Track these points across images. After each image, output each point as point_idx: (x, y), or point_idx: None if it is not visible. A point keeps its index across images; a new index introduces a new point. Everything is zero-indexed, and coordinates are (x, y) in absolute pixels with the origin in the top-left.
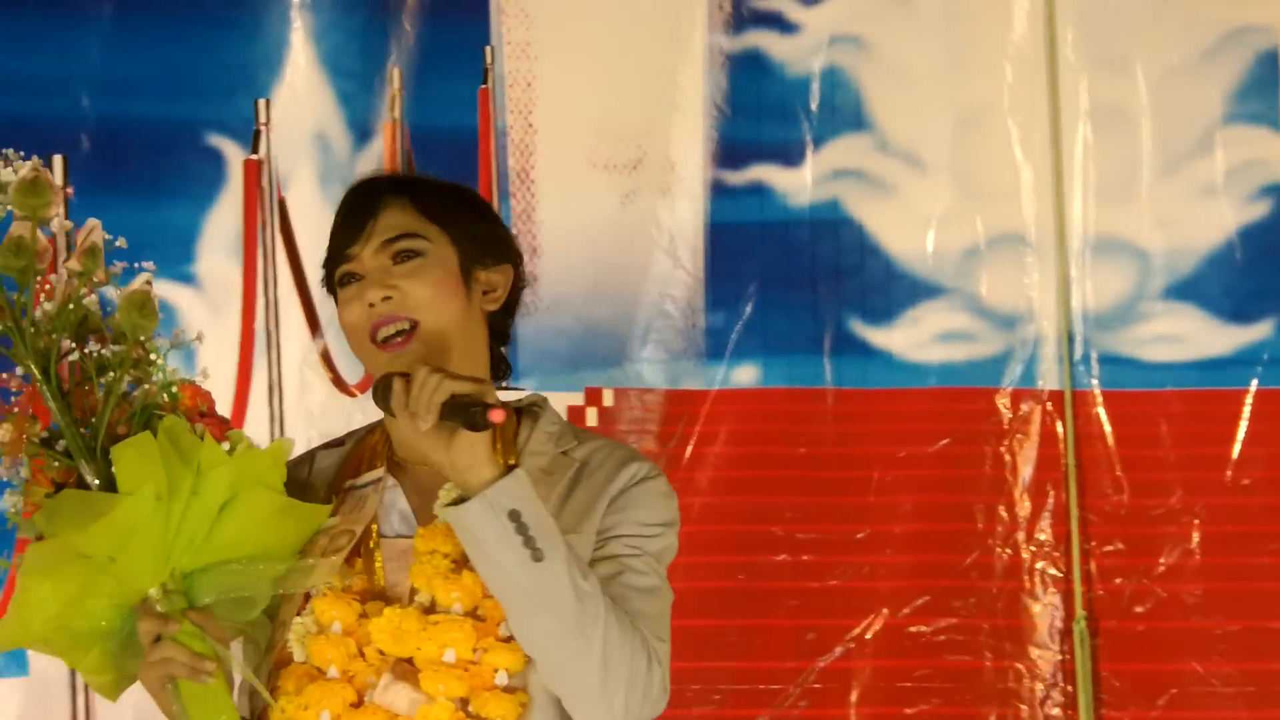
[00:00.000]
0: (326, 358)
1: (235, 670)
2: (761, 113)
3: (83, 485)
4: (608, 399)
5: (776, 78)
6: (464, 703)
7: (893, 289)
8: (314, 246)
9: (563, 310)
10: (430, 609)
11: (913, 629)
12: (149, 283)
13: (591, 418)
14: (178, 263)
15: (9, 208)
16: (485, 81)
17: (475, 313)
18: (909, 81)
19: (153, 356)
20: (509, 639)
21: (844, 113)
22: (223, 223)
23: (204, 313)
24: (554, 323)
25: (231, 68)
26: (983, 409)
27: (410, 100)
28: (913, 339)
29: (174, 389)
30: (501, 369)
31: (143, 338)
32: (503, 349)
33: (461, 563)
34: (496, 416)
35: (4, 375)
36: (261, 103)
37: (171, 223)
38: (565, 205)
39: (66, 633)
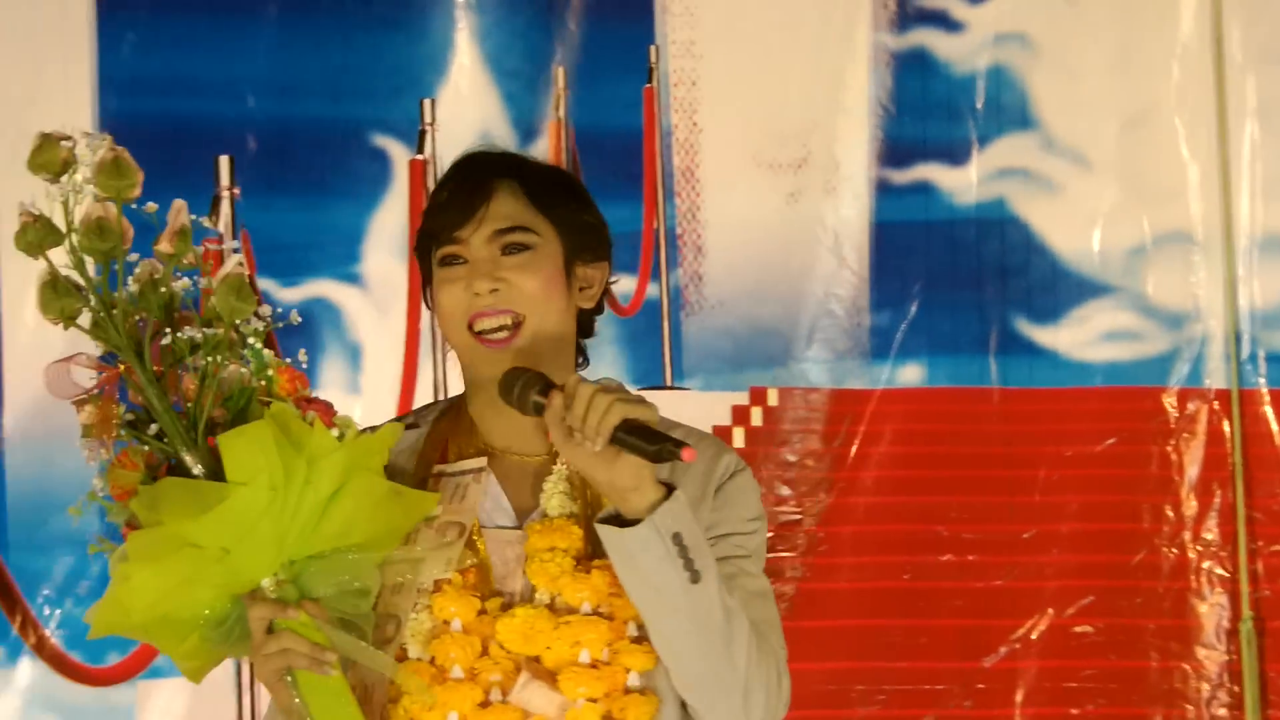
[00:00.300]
0: None
1: (368, 662)
2: (927, 111)
3: (177, 470)
4: (772, 398)
5: (942, 76)
6: (596, 703)
7: (1059, 288)
8: None
9: (727, 310)
10: (551, 607)
11: (1078, 629)
12: (242, 264)
13: (756, 417)
14: (343, 263)
15: (93, 189)
16: (650, 80)
17: (572, 309)
18: (1075, 80)
19: (250, 340)
20: (639, 639)
21: (1009, 111)
22: (388, 223)
23: (369, 312)
24: (719, 322)
25: (397, 68)
26: (1149, 408)
27: (575, 100)
28: (1079, 338)
29: (270, 372)
30: (581, 363)
31: (238, 321)
32: (583, 341)
33: (582, 559)
34: (689, 456)
35: (82, 356)
36: (427, 103)
37: (337, 223)
38: (730, 204)
39: (166, 620)
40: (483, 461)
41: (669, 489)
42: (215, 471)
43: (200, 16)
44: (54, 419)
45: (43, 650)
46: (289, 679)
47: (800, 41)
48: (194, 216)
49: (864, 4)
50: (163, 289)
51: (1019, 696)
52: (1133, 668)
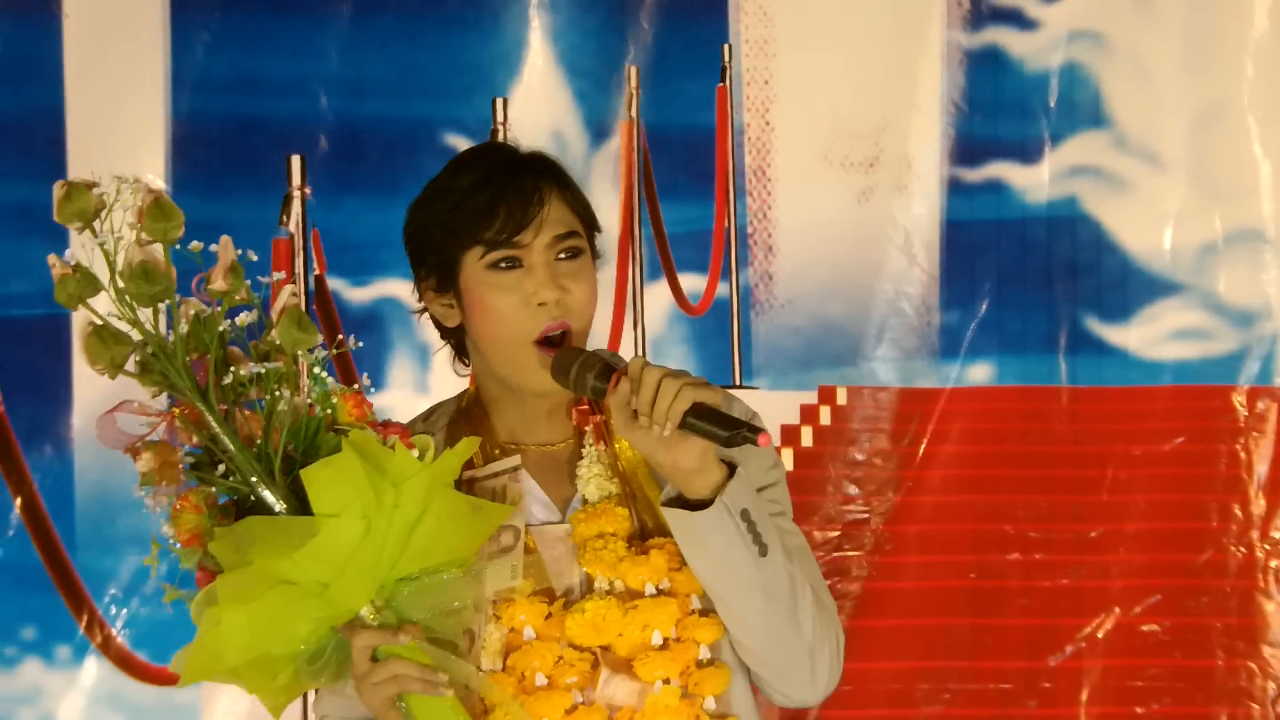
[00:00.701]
0: None
1: (470, 681)
2: (999, 109)
3: (241, 508)
4: (841, 397)
5: (1014, 74)
6: (673, 681)
7: (1129, 286)
8: None
9: (797, 308)
10: (612, 593)
11: (1145, 628)
12: (295, 295)
13: (824, 416)
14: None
15: (139, 232)
16: (723, 79)
17: (595, 307)
18: (1147, 77)
19: (317, 370)
20: (704, 611)
21: (1082, 109)
22: None
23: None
24: (788, 321)
25: (469, 67)
26: (1218, 407)
27: (647, 99)
28: (1149, 336)
29: (334, 400)
30: None
31: (300, 352)
32: None
33: (634, 540)
34: (764, 441)
35: (131, 403)
36: (498, 102)
37: None
38: (801, 203)
39: (260, 660)
40: (516, 460)
41: (731, 467)
42: (297, 506)
43: (272, 15)
44: None
45: (109, 649)
46: (401, 705)
47: (873, 40)
48: (239, 250)
49: (937, 2)
50: (220, 327)
51: (1084, 696)
52: (1199, 667)
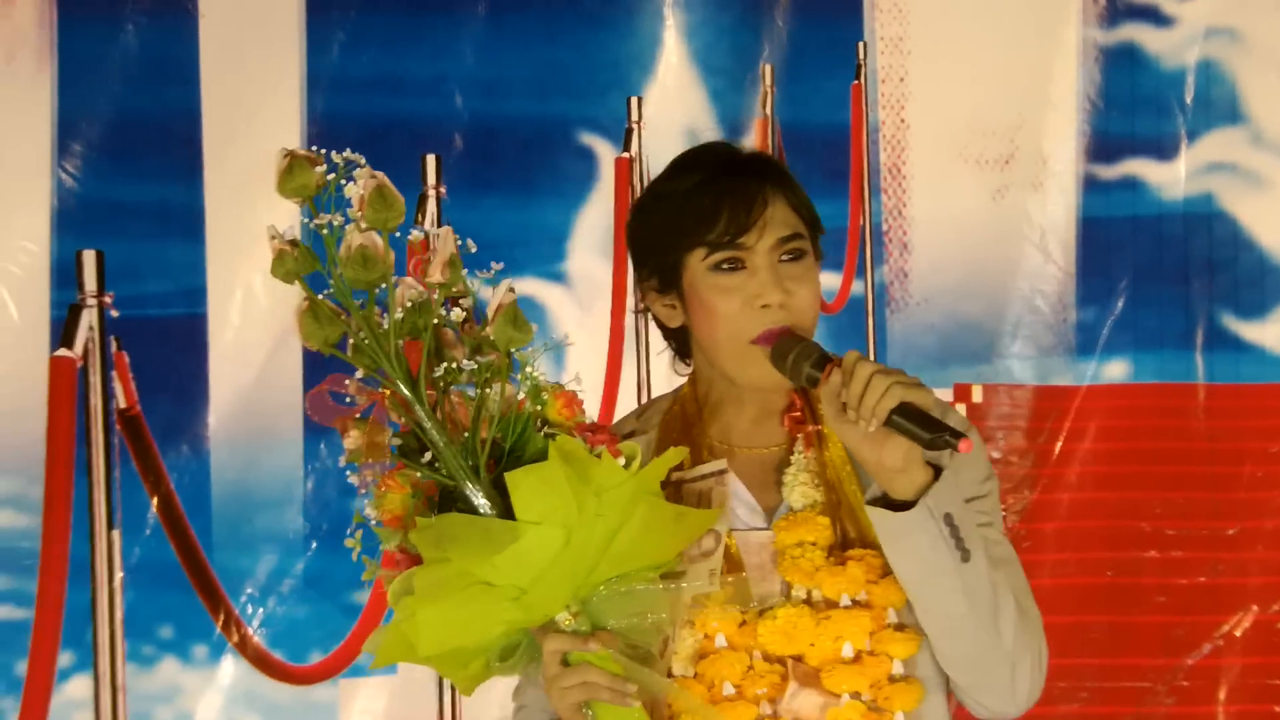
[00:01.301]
0: None
1: (660, 692)
2: (1135, 106)
3: (454, 497)
4: (976, 395)
5: (1151, 71)
6: (861, 695)
7: (1266, 283)
8: None
9: (932, 306)
10: (808, 602)
11: None
12: (512, 291)
13: (961, 414)
14: (548, 261)
15: (361, 223)
16: (858, 77)
17: (819, 309)
18: None
19: (528, 369)
20: (900, 625)
21: (1219, 106)
22: (593, 221)
23: (572, 311)
24: (924, 318)
25: (604, 66)
26: None
27: (781, 97)
28: None
29: (545, 397)
30: None
31: (514, 349)
32: None
33: (834, 550)
34: (966, 448)
35: (344, 379)
36: (633, 100)
37: (543, 221)
38: (936, 201)
39: (452, 652)
40: (723, 463)
41: (937, 470)
42: (500, 503)
43: (408, 15)
44: (258, 419)
45: (245, 649)
46: (588, 712)
47: (1009, 37)
48: (458, 240)
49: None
50: (435, 318)
51: (1222, 694)
52: None
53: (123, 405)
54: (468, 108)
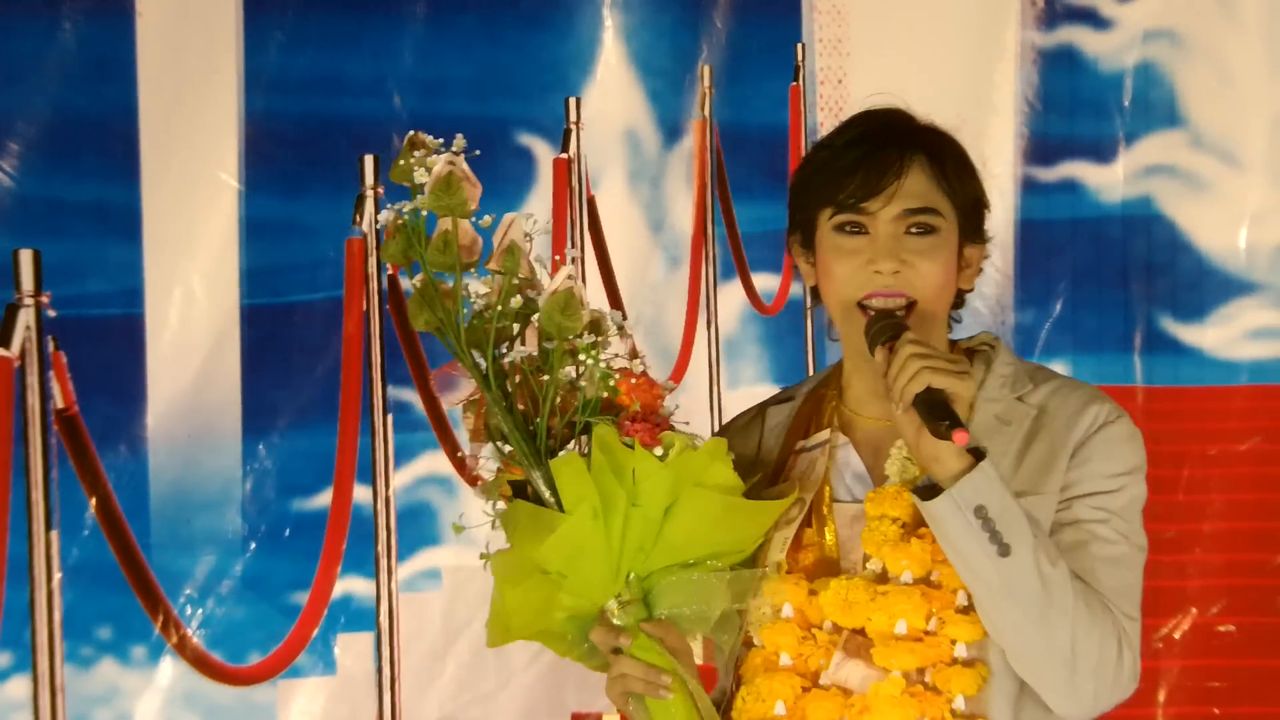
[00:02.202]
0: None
1: (693, 689)
2: (1074, 109)
3: (529, 489)
4: None
5: (1089, 73)
6: (920, 674)
7: (1205, 286)
8: (623, 243)
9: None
10: (881, 577)
11: (1221, 628)
12: (572, 277)
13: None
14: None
15: (426, 209)
16: (796, 79)
17: (954, 289)
18: (1224, 77)
19: (581, 357)
20: (967, 609)
21: (1157, 108)
22: None
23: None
24: None
25: (543, 67)
26: None
27: (720, 98)
28: (1224, 336)
29: (611, 383)
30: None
31: (570, 337)
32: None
33: (912, 528)
34: (961, 439)
35: (453, 365)
36: (572, 101)
37: None
38: None
39: (543, 633)
40: (827, 434)
41: (976, 458)
42: (553, 486)
43: (346, 15)
44: (196, 420)
45: (184, 650)
46: (635, 702)
47: (948, 40)
48: (528, 232)
49: (1012, 2)
50: (500, 306)
51: (1161, 696)
52: (1275, 666)
53: (60, 405)
54: (407, 108)
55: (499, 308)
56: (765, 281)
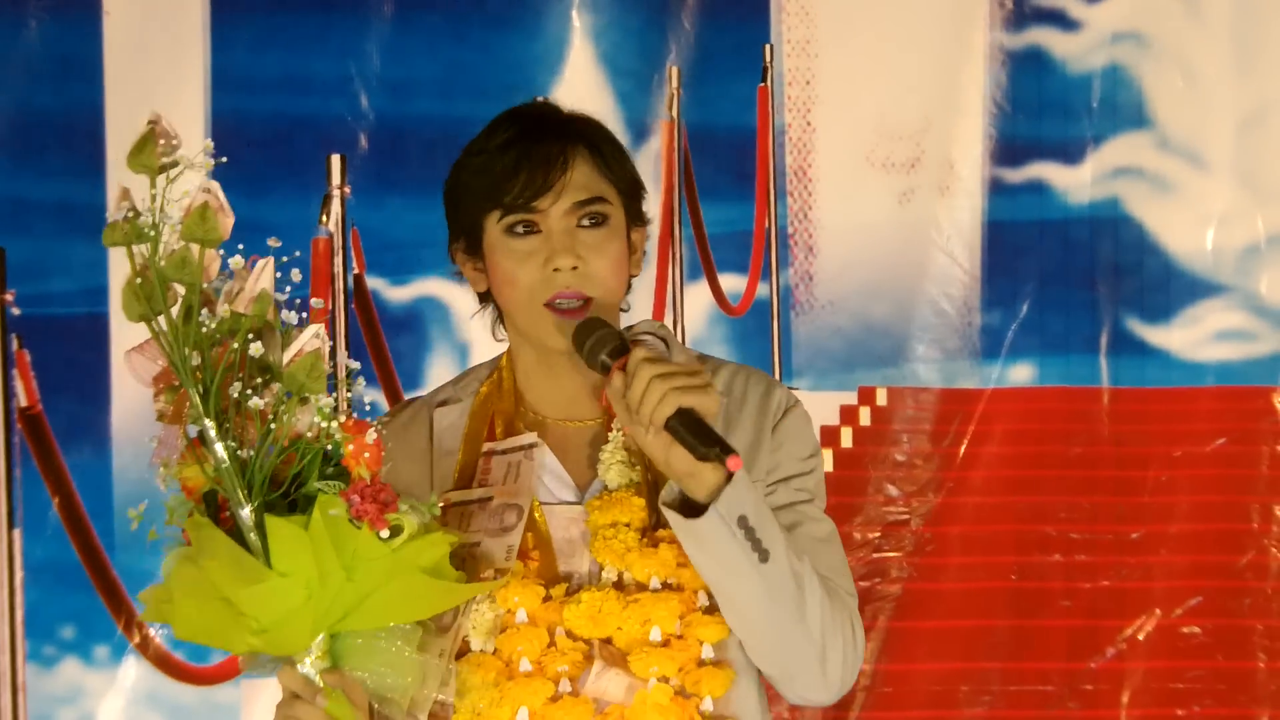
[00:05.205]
0: None
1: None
2: (1041, 110)
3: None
4: (881, 398)
5: (1057, 75)
6: (669, 679)
7: (1171, 288)
8: None
9: (838, 309)
10: (618, 584)
11: (1186, 630)
12: (319, 337)
13: (864, 417)
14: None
15: (181, 239)
16: (764, 80)
17: (626, 277)
18: (1191, 79)
19: (318, 420)
20: (709, 609)
21: (1125, 110)
22: None
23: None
24: (829, 321)
25: (510, 66)
26: (1260, 408)
27: (688, 99)
28: (1191, 338)
29: (337, 438)
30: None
31: (309, 397)
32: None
33: (647, 531)
34: (734, 465)
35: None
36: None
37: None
38: (842, 204)
39: (211, 640)
40: (533, 436)
41: (729, 473)
42: (262, 536)
43: (313, 14)
44: None
45: (147, 650)
46: None
47: (916, 41)
48: (278, 275)
49: (980, 3)
50: (238, 346)
51: (1125, 698)
52: (1240, 669)
53: (24, 404)
54: (373, 107)
55: (235, 347)
56: (732, 282)
